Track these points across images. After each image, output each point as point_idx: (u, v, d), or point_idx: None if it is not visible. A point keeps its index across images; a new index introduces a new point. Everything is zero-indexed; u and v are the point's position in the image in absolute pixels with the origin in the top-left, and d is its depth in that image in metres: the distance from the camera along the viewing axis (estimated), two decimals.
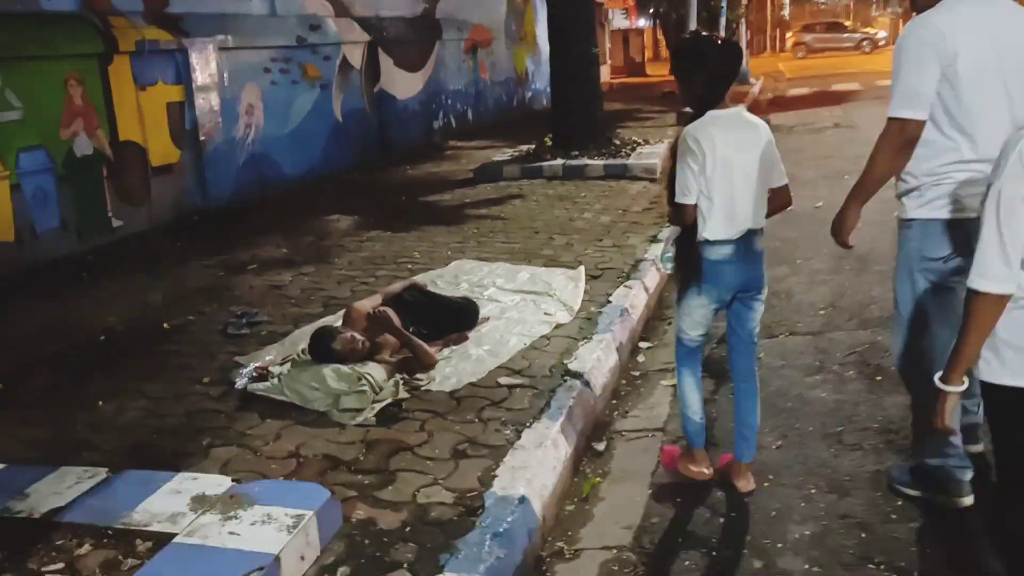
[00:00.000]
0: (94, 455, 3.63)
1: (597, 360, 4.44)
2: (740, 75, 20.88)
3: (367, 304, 4.69)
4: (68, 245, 7.35)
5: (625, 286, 5.57)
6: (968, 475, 3.16)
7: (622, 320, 5.02)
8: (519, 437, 3.58)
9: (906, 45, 2.91)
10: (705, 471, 3.51)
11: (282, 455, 3.51)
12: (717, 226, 3.12)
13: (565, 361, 4.38)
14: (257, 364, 4.37)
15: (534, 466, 3.35)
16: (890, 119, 2.98)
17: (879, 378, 4.29)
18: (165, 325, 5.32)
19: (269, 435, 3.70)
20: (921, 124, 2.91)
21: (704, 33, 3.21)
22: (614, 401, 4.46)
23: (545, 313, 5.12)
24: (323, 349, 4.20)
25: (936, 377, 2.22)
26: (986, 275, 2.04)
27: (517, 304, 5.33)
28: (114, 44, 7.74)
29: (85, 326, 5.46)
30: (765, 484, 3.45)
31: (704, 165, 3.04)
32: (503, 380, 4.17)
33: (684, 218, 3.17)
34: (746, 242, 3.18)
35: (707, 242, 3.15)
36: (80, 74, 7.45)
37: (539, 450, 3.47)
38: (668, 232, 3.39)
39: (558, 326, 4.92)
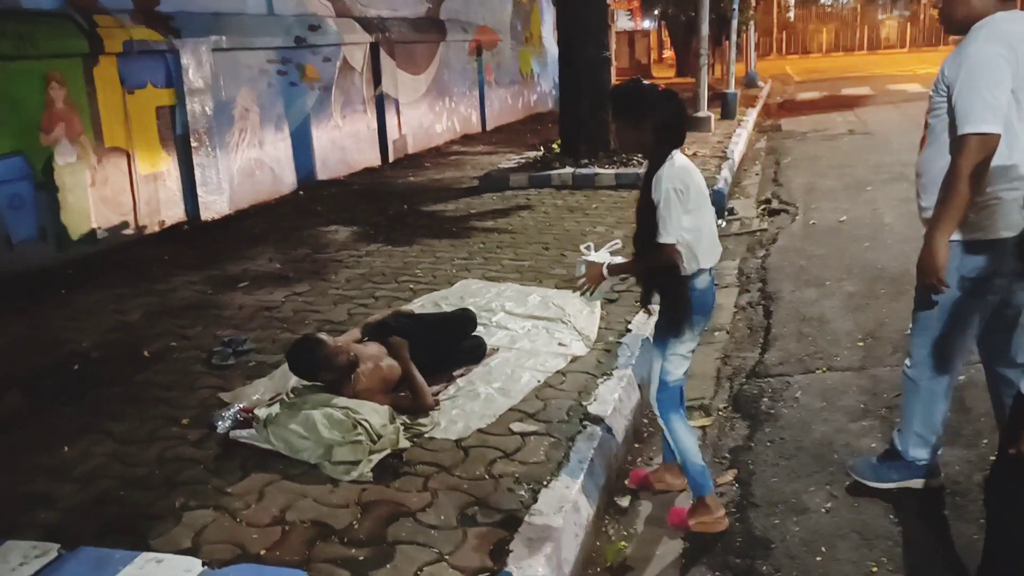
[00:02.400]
0: (51, 515, 3.20)
1: (618, 400, 4.00)
2: (748, 78, 20.60)
3: (347, 338, 4.25)
4: (46, 257, 6.93)
5: (645, 311, 5.12)
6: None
7: (643, 352, 4.58)
8: (535, 499, 3.13)
9: (982, 55, 2.75)
10: (721, 518, 3.26)
11: (265, 521, 3.06)
12: (707, 254, 3.08)
13: (584, 402, 3.93)
14: (242, 405, 3.92)
15: (554, 536, 2.91)
16: (970, 135, 2.74)
17: None
18: (145, 353, 4.87)
19: (251, 494, 3.25)
20: (999, 138, 2.74)
21: (644, 81, 3.11)
22: (637, 445, 4.02)
23: (560, 344, 4.67)
24: (307, 356, 3.84)
25: None
26: None
27: (528, 332, 4.88)
28: (100, 44, 7.31)
29: (57, 350, 5.03)
30: (818, 559, 3.01)
31: (687, 202, 2.97)
32: (516, 426, 3.72)
33: (669, 258, 3.02)
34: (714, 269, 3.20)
35: (698, 273, 3.07)
36: (63, 75, 7.01)
37: (559, 515, 3.03)
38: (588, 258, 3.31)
39: (574, 359, 4.48)
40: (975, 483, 3.33)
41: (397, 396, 3.92)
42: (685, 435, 3.23)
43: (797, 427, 3.99)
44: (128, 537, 2.99)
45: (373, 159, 12.16)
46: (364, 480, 3.30)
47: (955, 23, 2.94)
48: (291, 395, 3.87)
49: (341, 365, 3.85)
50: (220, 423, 3.78)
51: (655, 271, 3.10)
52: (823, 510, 3.31)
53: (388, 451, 3.47)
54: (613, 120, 3.14)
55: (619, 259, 3.26)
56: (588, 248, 3.39)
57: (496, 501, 3.13)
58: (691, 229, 2.99)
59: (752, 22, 24.85)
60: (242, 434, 3.65)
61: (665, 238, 2.95)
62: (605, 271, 3.20)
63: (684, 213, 2.96)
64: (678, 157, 3.00)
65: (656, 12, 31.37)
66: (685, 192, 2.93)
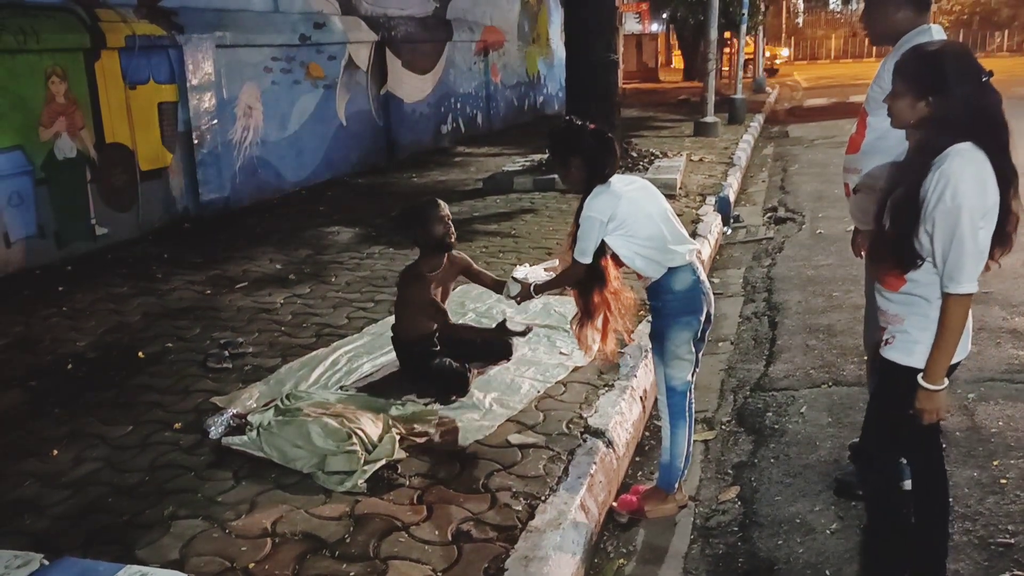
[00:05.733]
0: (38, 522, 3.13)
1: (620, 413, 3.91)
2: (756, 84, 20.44)
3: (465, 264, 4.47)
4: (46, 254, 6.85)
5: (648, 321, 5.03)
6: None
7: (647, 362, 4.49)
8: (532, 515, 3.05)
9: None
10: (681, 500, 3.45)
11: (254, 533, 2.98)
12: (668, 255, 3.15)
13: (584, 415, 3.85)
14: (235, 411, 3.84)
15: (551, 555, 2.83)
16: None
17: (943, 445, 3.74)
18: (140, 354, 4.80)
19: (242, 503, 3.18)
20: None
21: (576, 122, 3.31)
22: (638, 458, 3.93)
23: (560, 352, 4.60)
24: (420, 208, 4.18)
25: (920, 379, 2.41)
26: (973, 279, 2.31)
27: (529, 340, 4.80)
28: (102, 38, 7.24)
29: (52, 349, 4.96)
30: None
31: (616, 228, 3.13)
32: (514, 438, 3.64)
33: (579, 273, 3.28)
34: (697, 268, 3.22)
35: (672, 274, 3.15)
36: (63, 70, 6.94)
37: (556, 533, 2.95)
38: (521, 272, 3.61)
39: (575, 369, 4.39)
40: (986, 507, 3.25)
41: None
42: (682, 441, 3.33)
43: (803, 443, 3.90)
44: (115, 547, 2.93)
45: (377, 159, 12.09)
46: (358, 491, 3.23)
47: (880, 36, 3.20)
48: (286, 401, 3.81)
49: (436, 238, 4.14)
50: (213, 429, 3.71)
51: (584, 288, 3.32)
52: (829, 531, 3.22)
53: (383, 462, 3.39)
54: (550, 158, 3.29)
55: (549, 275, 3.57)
56: (524, 266, 3.67)
57: (492, 517, 3.06)
58: (646, 242, 3.12)
59: (761, 27, 24.75)
60: (235, 441, 3.57)
61: (578, 256, 3.22)
62: (532, 290, 3.51)
63: (618, 236, 3.14)
64: (612, 186, 3.18)
65: (665, 15, 31.28)
66: (607, 221, 3.12)
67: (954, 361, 2.48)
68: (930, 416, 2.45)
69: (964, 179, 2.25)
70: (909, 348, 2.47)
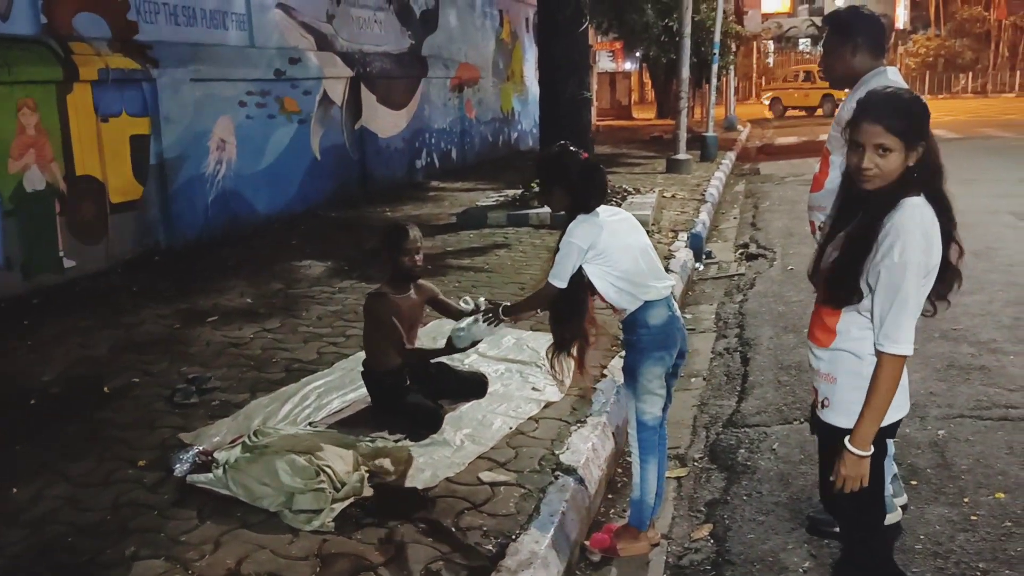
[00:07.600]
0: None
1: (592, 450, 3.89)
2: (728, 122, 20.69)
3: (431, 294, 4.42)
4: (12, 286, 6.74)
5: (621, 356, 5.03)
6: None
7: (619, 398, 4.48)
8: (503, 554, 3.01)
9: None
10: (653, 538, 3.41)
11: (219, 573, 2.91)
12: (644, 290, 3.15)
13: (556, 451, 3.82)
14: (201, 448, 3.77)
15: None
16: None
17: (914, 482, 3.76)
18: (105, 389, 4.72)
19: (207, 542, 3.10)
20: None
21: (571, 148, 3.30)
22: (610, 495, 3.90)
23: (533, 388, 4.57)
24: (394, 233, 4.15)
25: (847, 442, 2.28)
26: (910, 340, 2.21)
27: (501, 375, 4.78)
28: (74, 71, 7.20)
29: (16, 383, 4.87)
30: None
31: (594, 257, 3.13)
32: (485, 476, 3.60)
33: (550, 296, 3.24)
34: (672, 304, 3.23)
35: (645, 308, 3.14)
36: (35, 102, 6.89)
37: (527, 572, 2.90)
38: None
39: (548, 405, 4.37)
40: (957, 544, 3.25)
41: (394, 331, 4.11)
42: (652, 477, 3.29)
43: (775, 480, 3.89)
44: None
45: (351, 193, 12.07)
46: (325, 530, 3.17)
47: (839, 80, 3.32)
48: (254, 437, 3.74)
49: (400, 266, 4.13)
50: (178, 466, 3.64)
51: (562, 317, 3.29)
52: (802, 570, 3.20)
53: (352, 500, 3.34)
54: (537, 180, 3.42)
55: None
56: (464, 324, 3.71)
57: (462, 556, 3.01)
58: (623, 275, 3.13)
59: (732, 66, 25.14)
60: (200, 479, 3.50)
61: (552, 279, 3.18)
62: (501, 311, 3.50)
63: (596, 265, 3.13)
64: (597, 215, 3.17)
65: (638, 54, 31.70)
66: (586, 249, 3.10)
67: (896, 419, 2.37)
68: (852, 483, 2.29)
69: (914, 236, 2.18)
70: (849, 409, 2.33)
